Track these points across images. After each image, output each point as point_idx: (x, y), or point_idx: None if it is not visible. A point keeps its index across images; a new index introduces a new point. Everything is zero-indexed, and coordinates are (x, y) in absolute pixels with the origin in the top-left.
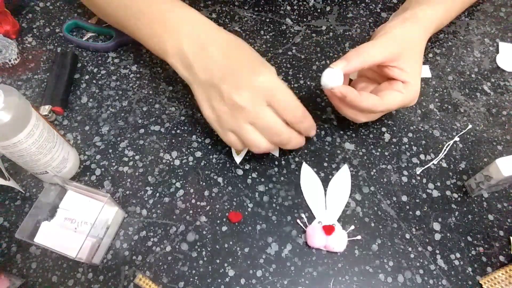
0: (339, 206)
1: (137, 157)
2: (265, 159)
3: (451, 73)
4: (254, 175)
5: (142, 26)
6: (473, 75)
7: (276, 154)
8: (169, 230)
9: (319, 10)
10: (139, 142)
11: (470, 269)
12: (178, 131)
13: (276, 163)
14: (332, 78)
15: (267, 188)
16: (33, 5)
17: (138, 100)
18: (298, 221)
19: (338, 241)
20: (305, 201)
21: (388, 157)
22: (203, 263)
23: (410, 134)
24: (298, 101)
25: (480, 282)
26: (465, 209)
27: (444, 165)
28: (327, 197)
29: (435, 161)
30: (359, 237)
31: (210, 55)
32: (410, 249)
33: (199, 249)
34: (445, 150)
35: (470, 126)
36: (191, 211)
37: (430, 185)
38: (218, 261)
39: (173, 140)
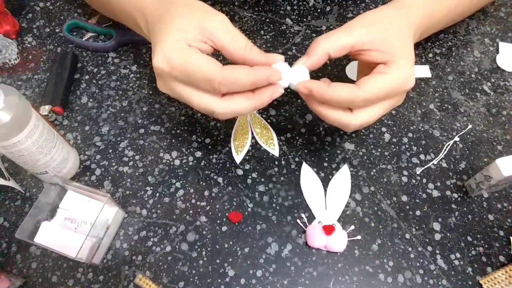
0: (339, 206)
1: (137, 157)
2: (265, 159)
3: (451, 73)
4: (254, 175)
5: (120, 11)
6: (473, 75)
7: (276, 154)
8: (169, 230)
9: (319, 10)
10: (139, 142)
11: (470, 269)
12: (178, 131)
13: (276, 163)
14: (294, 77)
15: (267, 188)
16: (33, 5)
17: (138, 100)
18: (298, 221)
19: (338, 241)
20: (305, 201)
21: (388, 157)
22: (203, 263)
23: (410, 134)
24: (207, 71)
25: (480, 282)
26: (465, 209)
27: (444, 165)
28: (327, 197)
29: (435, 161)
30: (359, 237)
31: (152, 31)
32: (410, 249)
33: (199, 249)
34: (445, 150)
35: (470, 126)
36: (191, 211)
37: (430, 185)
38: (218, 261)
39: (173, 140)
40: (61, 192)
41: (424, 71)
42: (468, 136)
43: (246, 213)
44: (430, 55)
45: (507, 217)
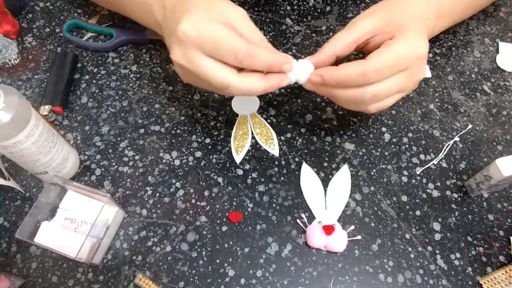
0: (339, 206)
1: (137, 157)
2: (265, 159)
3: (451, 73)
4: (254, 175)
5: (134, 8)
6: (473, 75)
7: (276, 154)
8: (169, 230)
9: (319, 10)
10: (139, 142)
11: (470, 269)
12: (178, 131)
13: (276, 163)
14: (301, 72)
15: (267, 188)
16: (33, 5)
17: (138, 100)
18: (298, 221)
19: (338, 241)
20: (305, 201)
21: (388, 157)
22: (203, 263)
23: (410, 134)
24: (235, 39)
25: (480, 282)
26: (465, 209)
27: (444, 165)
28: (327, 197)
29: (435, 161)
30: (359, 237)
31: (167, 15)
32: (410, 249)
33: (199, 249)
34: (445, 150)
35: (470, 126)
36: (191, 211)
37: (430, 185)
38: (218, 261)
39: (173, 140)
40: (61, 192)
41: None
42: (468, 136)
43: (246, 213)
44: (430, 55)
45: (507, 217)
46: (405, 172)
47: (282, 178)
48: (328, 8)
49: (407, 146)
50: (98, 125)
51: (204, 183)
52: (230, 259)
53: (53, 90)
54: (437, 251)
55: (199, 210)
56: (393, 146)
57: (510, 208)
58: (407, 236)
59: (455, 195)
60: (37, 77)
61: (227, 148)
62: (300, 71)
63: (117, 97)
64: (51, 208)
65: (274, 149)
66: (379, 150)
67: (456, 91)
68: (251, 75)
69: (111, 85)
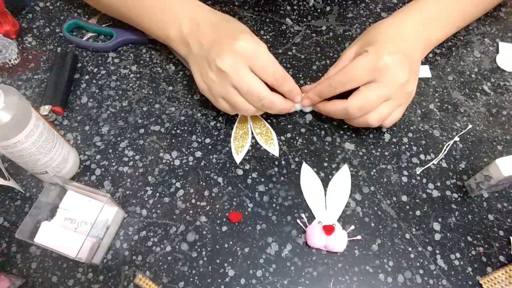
0: (339, 206)
1: (137, 157)
2: (265, 159)
3: (451, 73)
4: (254, 175)
5: (143, 15)
6: (473, 75)
7: (276, 154)
8: (169, 230)
9: (319, 10)
10: (139, 142)
11: (470, 269)
12: (178, 131)
13: (276, 163)
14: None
15: (267, 188)
16: (33, 5)
17: (138, 100)
18: (298, 221)
19: (338, 241)
20: (305, 201)
21: (388, 157)
22: (203, 263)
23: (410, 134)
24: (278, 65)
25: (480, 282)
26: (465, 209)
27: (444, 165)
28: (327, 197)
29: (435, 161)
30: (359, 237)
31: (202, 30)
32: (410, 249)
33: (199, 249)
34: (445, 150)
35: (470, 126)
36: (191, 211)
37: (430, 185)
38: (218, 261)
39: (173, 140)
40: (61, 192)
41: (424, 71)
42: (468, 136)
43: (246, 213)
44: (430, 55)
45: (507, 217)
46: (405, 172)
47: (282, 178)
48: (328, 8)
49: (407, 146)
50: (98, 125)
51: (204, 183)
52: (230, 259)
53: (53, 90)
54: (437, 251)
55: (199, 210)
56: (393, 146)
57: (510, 208)
58: (407, 236)
59: (455, 195)
60: (37, 77)
61: (227, 148)
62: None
63: (117, 97)
64: (51, 208)
65: (274, 149)
66: (379, 150)
67: (456, 91)
68: (278, 95)
69: (111, 85)
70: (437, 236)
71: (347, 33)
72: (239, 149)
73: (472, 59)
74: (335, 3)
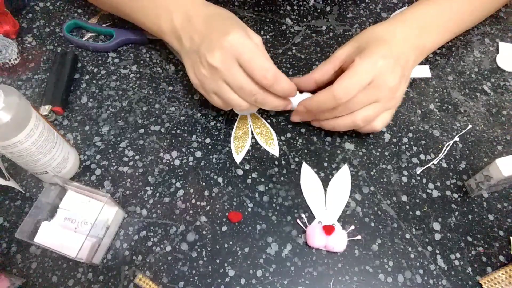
0: (339, 206)
1: (137, 157)
2: (265, 159)
3: (451, 73)
4: (254, 175)
5: (137, 9)
6: (473, 75)
7: (276, 154)
8: (169, 230)
9: (319, 10)
10: (139, 142)
11: (470, 269)
12: (178, 131)
13: (276, 163)
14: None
15: (267, 188)
16: (33, 5)
17: (138, 100)
18: (298, 221)
19: (338, 241)
20: (305, 201)
21: (388, 157)
22: (203, 263)
23: (410, 134)
24: (268, 63)
25: (480, 282)
26: (465, 209)
27: (444, 165)
28: (327, 197)
29: (435, 161)
30: (359, 237)
31: (194, 24)
32: (410, 249)
33: (199, 249)
34: (445, 150)
35: (470, 126)
36: (191, 211)
37: (430, 185)
38: (218, 261)
39: (173, 140)
40: (61, 192)
41: (424, 71)
42: (468, 136)
43: (246, 213)
44: (430, 55)
45: (507, 217)
46: (405, 172)
47: (282, 178)
48: (328, 8)
49: (407, 146)
50: (98, 125)
51: (204, 183)
52: (230, 259)
53: (53, 90)
54: (437, 251)
55: (199, 210)
56: (393, 146)
57: (510, 208)
58: (407, 236)
59: (455, 195)
60: (37, 77)
61: (227, 148)
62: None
63: (117, 97)
64: (51, 208)
65: (274, 149)
66: (379, 150)
67: (456, 91)
68: (270, 92)
69: (111, 85)
70: (437, 236)
71: (347, 33)
72: (239, 149)
73: (472, 59)
74: (335, 3)
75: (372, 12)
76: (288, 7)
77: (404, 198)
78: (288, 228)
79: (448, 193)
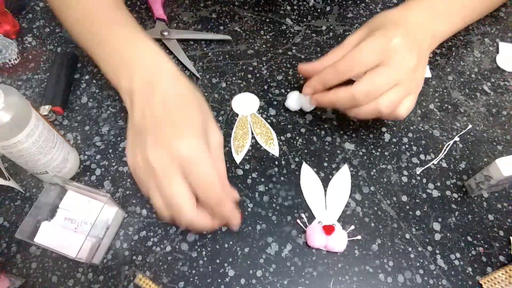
0: (339, 206)
1: None
2: (265, 159)
3: (451, 73)
4: (254, 175)
5: (101, 53)
6: (473, 75)
7: (276, 154)
8: (169, 230)
9: (319, 10)
10: None
11: (470, 269)
12: None
13: (276, 163)
14: (292, 102)
15: (267, 188)
16: (33, 5)
17: None
18: (298, 221)
19: (338, 241)
20: (305, 201)
21: (388, 157)
22: (203, 263)
23: (410, 134)
24: (217, 183)
25: (480, 282)
26: (465, 209)
27: (444, 165)
28: (327, 197)
29: (435, 161)
30: (359, 237)
31: (152, 100)
32: (410, 249)
33: (199, 249)
34: (445, 150)
35: (470, 126)
36: None
37: (430, 185)
38: (218, 261)
39: None
40: (61, 192)
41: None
42: (468, 136)
43: (246, 213)
44: (430, 55)
45: (507, 217)
46: (405, 172)
47: (282, 178)
48: (328, 8)
49: (407, 146)
50: (98, 125)
51: None
52: (230, 259)
53: (53, 90)
54: (437, 251)
55: None
56: (393, 146)
57: (510, 208)
58: (407, 236)
59: (455, 195)
60: (37, 77)
61: (227, 148)
62: (301, 100)
63: (117, 97)
64: (51, 208)
65: (274, 149)
66: (379, 150)
67: (456, 91)
68: (206, 214)
69: (111, 85)
70: (437, 236)
71: (347, 33)
72: (239, 149)
73: (472, 59)
74: (335, 3)
75: (372, 12)
76: (288, 7)
77: (404, 198)
78: (288, 228)
79: (448, 193)
